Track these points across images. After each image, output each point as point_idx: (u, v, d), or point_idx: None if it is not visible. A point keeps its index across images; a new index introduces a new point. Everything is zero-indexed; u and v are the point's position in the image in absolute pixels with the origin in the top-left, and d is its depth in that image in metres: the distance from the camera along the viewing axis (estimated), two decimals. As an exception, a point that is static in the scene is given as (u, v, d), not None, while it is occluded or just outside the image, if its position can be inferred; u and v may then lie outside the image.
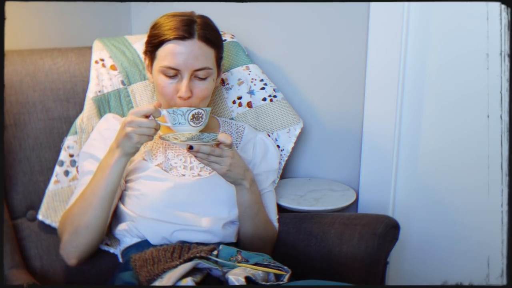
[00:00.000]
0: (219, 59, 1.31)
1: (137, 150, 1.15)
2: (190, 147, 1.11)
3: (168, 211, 1.23)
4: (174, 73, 1.23)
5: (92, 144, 1.29)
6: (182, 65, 1.22)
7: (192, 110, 1.14)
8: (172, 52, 1.22)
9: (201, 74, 1.24)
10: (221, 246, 1.18)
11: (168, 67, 1.22)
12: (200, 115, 1.15)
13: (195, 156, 1.14)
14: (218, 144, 1.16)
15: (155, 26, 1.26)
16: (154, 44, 1.25)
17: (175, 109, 1.14)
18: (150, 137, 1.12)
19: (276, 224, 1.39)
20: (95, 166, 1.23)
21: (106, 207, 1.17)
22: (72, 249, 1.19)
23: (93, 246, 1.21)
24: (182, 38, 1.22)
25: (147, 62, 1.31)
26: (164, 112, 1.14)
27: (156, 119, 1.13)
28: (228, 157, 1.16)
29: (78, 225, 1.17)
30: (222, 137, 1.14)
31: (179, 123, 1.14)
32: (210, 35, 1.25)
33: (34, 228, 1.30)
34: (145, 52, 1.31)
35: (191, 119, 1.14)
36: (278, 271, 1.14)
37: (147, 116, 1.11)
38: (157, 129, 1.12)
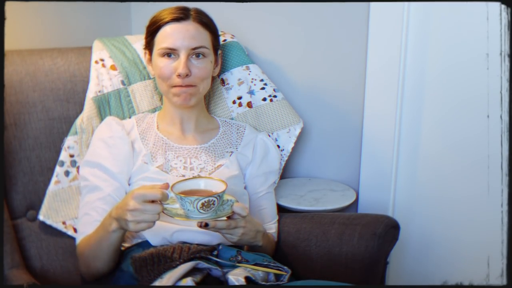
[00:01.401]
0: (215, 45, 1.35)
1: None
2: (206, 225, 1.06)
3: (169, 212, 1.23)
4: (172, 53, 1.27)
5: (96, 152, 1.28)
6: (179, 44, 1.26)
7: (201, 200, 1.02)
8: (169, 33, 1.27)
9: (198, 53, 1.28)
10: (221, 246, 1.18)
11: (166, 47, 1.27)
12: (211, 202, 1.03)
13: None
14: (231, 215, 1.10)
15: (152, 18, 1.32)
16: (152, 31, 1.30)
17: (183, 196, 1.02)
18: (151, 223, 1.04)
19: (276, 225, 1.40)
20: (102, 179, 1.24)
21: (113, 257, 1.18)
22: (86, 276, 1.24)
23: (107, 273, 1.22)
24: (178, 19, 1.27)
25: (147, 56, 1.35)
26: (172, 194, 1.05)
27: (163, 202, 1.05)
28: (241, 227, 1.13)
29: (89, 265, 1.20)
30: (237, 208, 1.09)
31: (188, 210, 1.04)
32: (205, 19, 1.31)
33: (34, 228, 1.30)
34: (145, 45, 1.34)
35: (200, 207, 1.03)
36: (278, 271, 1.14)
37: (152, 201, 1.03)
38: (161, 212, 1.05)
